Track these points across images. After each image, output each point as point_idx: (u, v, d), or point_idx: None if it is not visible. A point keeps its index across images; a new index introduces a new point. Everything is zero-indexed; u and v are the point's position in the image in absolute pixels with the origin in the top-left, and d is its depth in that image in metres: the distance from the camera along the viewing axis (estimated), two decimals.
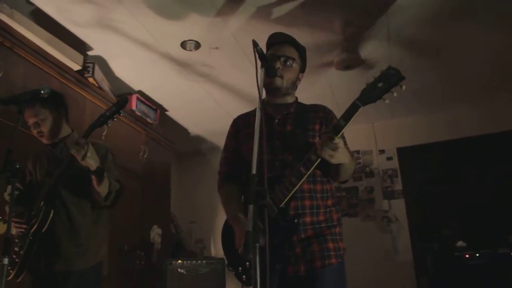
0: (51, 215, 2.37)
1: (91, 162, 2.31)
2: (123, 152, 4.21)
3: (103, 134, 3.89)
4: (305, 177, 1.91)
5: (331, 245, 2.02)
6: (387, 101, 1.83)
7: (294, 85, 2.27)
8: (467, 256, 4.57)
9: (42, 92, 2.29)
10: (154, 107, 5.07)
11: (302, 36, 3.45)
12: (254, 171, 1.50)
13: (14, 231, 2.64)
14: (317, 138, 2.10)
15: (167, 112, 5.52)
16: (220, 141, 2.43)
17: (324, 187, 2.12)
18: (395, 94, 1.81)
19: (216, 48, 4.09)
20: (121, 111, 2.36)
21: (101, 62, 4.24)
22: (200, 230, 6.50)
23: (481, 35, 4.03)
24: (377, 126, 6.06)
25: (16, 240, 2.48)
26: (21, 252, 2.38)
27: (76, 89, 3.83)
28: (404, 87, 1.79)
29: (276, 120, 2.17)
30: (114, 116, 2.35)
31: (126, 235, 4.18)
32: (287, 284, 1.97)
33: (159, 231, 4.87)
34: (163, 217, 5.14)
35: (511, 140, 5.28)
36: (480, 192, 5.36)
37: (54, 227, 2.41)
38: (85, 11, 3.51)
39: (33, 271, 2.42)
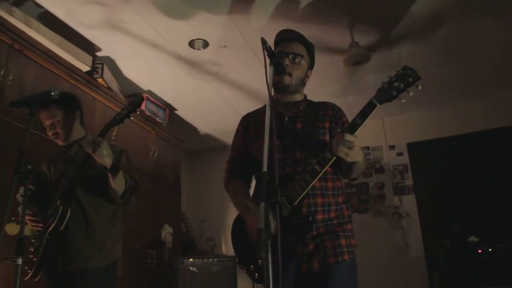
0: (68, 214, 2.39)
1: (107, 160, 2.32)
2: (133, 152, 4.21)
3: (113, 134, 3.91)
4: (320, 175, 1.91)
5: (343, 241, 2.02)
6: (403, 100, 1.84)
7: (302, 82, 2.26)
8: (479, 251, 4.53)
9: (52, 93, 2.30)
10: (163, 107, 5.09)
11: (310, 32, 3.44)
12: (265, 169, 1.50)
13: (28, 231, 2.67)
14: (328, 135, 2.11)
15: (176, 111, 5.54)
16: (230, 139, 2.43)
17: (335, 184, 2.12)
18: (411, 94, 1.83)
19: (224, 46, 4.09)
20: (136, 109, 2.36)
21: (110, 62, 4.26)
22: (210, 228, 6.53)
23: (490, 31, 4.00)
24: (387, 122, 6.04)
25: (33, 240, 2.51)
26: (38, 252, 2.41)
27: (86, 90, 3.85)
28: (420, 86, 1.80)
29: (286, 118, 2.16)
30: (131, 115, 2.36)
31: (137, 234, 4.20)
32: (302, 282, 1.97)
33: (170, 230, 4.89)
34: (174, 216, 5.16)
35: None
36: (491, 186, 5.32)
37: (71, 226, 2.43)
38: (93, 12, 3.53)
39: (50, 270, 2.43)
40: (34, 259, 2.41)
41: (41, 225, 2.47)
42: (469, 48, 4.30)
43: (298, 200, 1.93)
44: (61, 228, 2.38)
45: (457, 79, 4.98)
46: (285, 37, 2.23)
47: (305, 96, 2.31)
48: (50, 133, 2.61)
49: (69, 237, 2.44)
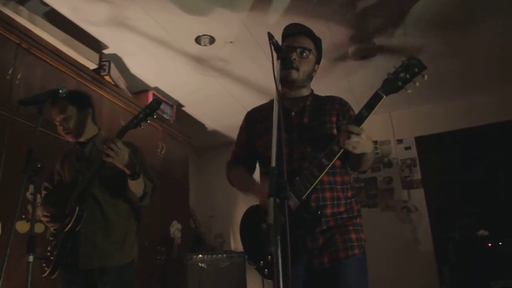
0: (84, 215, 2.38)
1: (127, 166, 2.32)
2: None
3: None
4: (327, 168, 1.90)
5: (353, 235, 2.01)
6: (409, 91, 1.83)
7: (309, 77, 2.26)
8: (489, 244, 4.51)
9: (60, 91, 2.31)
10: (171, 103, 5.09)
11: (317, 27, 3.42)
12: (273, 164, 1.49)
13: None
14: (335, 129, 2.10)
15: (183, 108, 5.55)
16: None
17: (344, 178, 2.12)
18: (417, 84, 1.81)
19: (231, 42, 4.09)
20: (153, 113, 2.37)
21: (117, 60, 4.27)
22: (219, 224, 6.53)
23: (498, 23, 3.97)
24: (394, 116, 6.01)
25: (51, 238, 2.52)
26: (55, 250, 2.41)
27: (93, 88, 3.86)
28: (426, 76, 1.79)
29: (293, 113, 2.16)
30: (148, 118, 2.36)
31: (146, 231, 4.21)
32: (313, 276, 1.97)
33: (178, 226, 4.90)
34: (182, 212, 5.18)
35: None
36: (500, 179, 5.29)
37: (89, 225, 2.43)
38: (99, 10, 3.54)
39: (68, 269, 2.43)
40: (51, 257, 2.42)
41: (58, 224, 2.48)
42: (477, 40, 4.26)
43: (306, 194, 1.92)
44: (77, 228, 2.38)
45: (465, 72, 4.95)
46: (293, 31, 2.22)
47: (312, 90, 2.30)
48: (60, 129, 2.61)
49: (89, 236, 2.43)
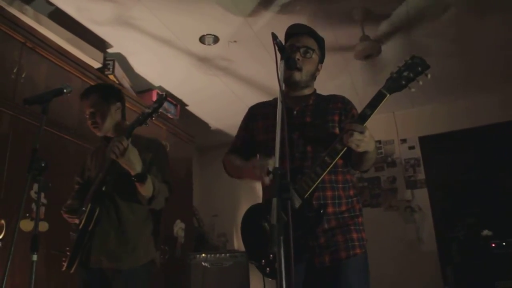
0: (96, 213, 2.35)
1: (132, 167, 2.26)
2: None
3: None
4: (330, 166, 1.90)
5: (355, 235, 2.02)
6: (413, 89, 1.85)
7: (313, 77, 2.26)
8: (493, 245, 4.50)
9: (65, 91, 2.32)
10: (174, 102, 5.10)
11: (321, 27, 3.43)
12: (277, 165, 1.50)
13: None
14: (337, 128, 2.11)
15: (187, 107, 5.55)
16: None
17: (345, 177, 2.12)
18: (420, 83, 1.83)
19: (235, 41, 4.09)
20: (159, 109, 2.30)
21: (121, 59, 4.28)
22: (222, 223, 6.53)
23: (502, 22, 3.96)
24: (398, 115, 6.00)
25: (71, 233, 2.48)
26: (71, 246, 2.39)
27: None
28: (429, 75, 1.81)
29: (295, 112, 2.16)
30: (153, 115, 2.29)
31: None
32: (314, 275, 1.97)
33: (182, 225, 4.91)
34: (185, 211, 5.18)
35: None
36: (504, 179, 5.27)
37: (104, 224, 2.40)
38: (104, 9, 3.55)
39: (84, 266, 2.40)
40: (68, 253, 2.40)
41: (76, 220, 2.45)
42: (481, 39, 4.25)
43: (308, 193, 1.93)
44: (90, 227, 2.35)
45: (468, 72, 4.93)
46: (296, 31, 2.23)
47: (315, 89, 2.31)
48: (89, 123, 2.57)
49: (101, 235, 2.39)
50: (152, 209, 2.54)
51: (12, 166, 2.87)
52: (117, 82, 4.12)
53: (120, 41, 4.04)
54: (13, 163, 2.88)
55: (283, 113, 1.64)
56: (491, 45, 4.37)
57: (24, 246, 2.12)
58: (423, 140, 5.84)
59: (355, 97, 4.96)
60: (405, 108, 5.90)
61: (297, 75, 2.15)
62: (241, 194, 6.14)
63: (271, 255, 1.92)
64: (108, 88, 2.73)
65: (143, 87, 4.78)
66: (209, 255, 4.77)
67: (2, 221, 2.74)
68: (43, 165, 2.09)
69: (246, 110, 2.47)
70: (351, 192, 2.11)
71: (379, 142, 5.94)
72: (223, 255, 4.81)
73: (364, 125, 1.82)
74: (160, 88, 4.92)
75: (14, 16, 3.14)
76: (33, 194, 2.84)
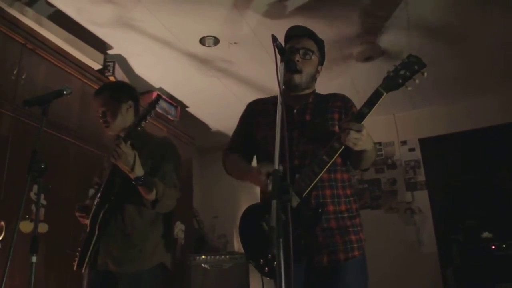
0: (100, 215, 2.34)
1: (131, 171, 2.22)
2: None
3: None
4: (328, 165, 1.90)
5: (353, 237, 2.01)
6: (409, 88, 1.86)
7: (313, 79, 2.26)
8: (493, 247, 4.49)
9: (65, 92, 2.31)
10: (175, 104, 5.10)
11: (321, 28, 3.42)
12: (277, 166, 1.50)
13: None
14: (336, 126, 2.11)
15: (187, 109, 5.56)
16: None
17: (344, 176, 2.12)
18: (417, 81, 1.85)
19: (235, 43, 4.09)
20: (152, 110, 2.26)
21: (121, 60, 4.28)
22: (222, 225, 6.53)
23: (503, 23, 3.95)
24: (398, 117, 5.99)
25: (83, 233, 2.46)
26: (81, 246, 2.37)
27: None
28: (426, 74, 1.82)
29: (295, 110, 2.16)
30: (148, 116, 2.25)
31: None
32: (313, 274, 1.97)
33: (182, 227, 4.91)
34: (186, 213, 5.17)
35: None
36: (504, 181, 5.27)
37: (111, 227, 2.37)
38: (104, 11, 3.55)
39: (92, 267, 2.38)
40: (77, 253, 2.38)
41: (86, 220, 2.42)
42: (481, 40, 4.24)
43: (307, 192, 1.92)
44: (96, 229, 2.33)
45: (468, 73, 4.92)
46: (295, 33, 2.23)
47: (315, 89, 2.31)
48: (101, 122, 2.53)
49: (108, 238, 2.36)
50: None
51: (12, 168, 2.87)
52: None
53: (120, 43, 4.04)
54: (13, 165, 2.88)
55: (283, 116, 1.64)
56: (491, 46, 4.36)
57: (24, 247, 2.12)
58: (423, 142, 5.84)
59: (355, 98, 4.96)
60: (405, 110, 5.90)
61: (297, 78, 2.15)
62: (241, 196, 6.13)
63: (270, 255, 1.92)
64: (120, 86, 2.69)
65: (144, 89, 4.78)
66: (209, 257, 4.77)
67: (2, 222, 2.74)
68: (43, 166, 2.08)
69: None
70: (348, 192, 2.12)
71: (379, 144, 5.93)
72: (223, 256, 4.81)
73: (362, 123, 1.83)
74: (160, 89, 4.93)
75: (15, 17, 3.14)
76: (32, 195, 2.85)
